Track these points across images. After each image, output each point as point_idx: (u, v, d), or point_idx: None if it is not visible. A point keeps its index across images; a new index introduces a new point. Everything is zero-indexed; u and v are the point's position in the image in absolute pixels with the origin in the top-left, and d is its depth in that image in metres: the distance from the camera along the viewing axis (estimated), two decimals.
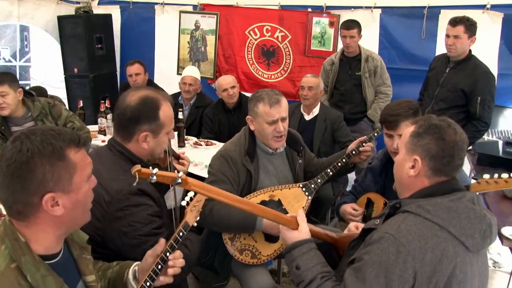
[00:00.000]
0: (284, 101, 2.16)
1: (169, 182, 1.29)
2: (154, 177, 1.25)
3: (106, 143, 1.77)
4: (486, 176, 1.57)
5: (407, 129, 1.45)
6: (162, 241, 1.37)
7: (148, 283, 1.32)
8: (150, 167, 1.26)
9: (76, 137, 1.12)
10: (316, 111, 3.61)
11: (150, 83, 4.42)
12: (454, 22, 3.11)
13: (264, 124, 2.12)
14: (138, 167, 1.24)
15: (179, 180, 1.30)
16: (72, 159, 1.10)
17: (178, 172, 1.32)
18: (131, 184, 1.55)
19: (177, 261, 1.38)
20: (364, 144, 2.28)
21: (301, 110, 3.64)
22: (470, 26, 3.09)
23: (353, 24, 3.76)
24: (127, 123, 1.65)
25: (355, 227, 1.76)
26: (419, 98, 3.57)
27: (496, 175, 1.52)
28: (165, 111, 1.68)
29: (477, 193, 1.68)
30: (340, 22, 4.20)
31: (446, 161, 1.33)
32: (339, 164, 2.27)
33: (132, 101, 1.65)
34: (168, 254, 1.37)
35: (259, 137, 2.21)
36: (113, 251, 1.59)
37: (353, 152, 2.29)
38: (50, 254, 1.13)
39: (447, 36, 3.16)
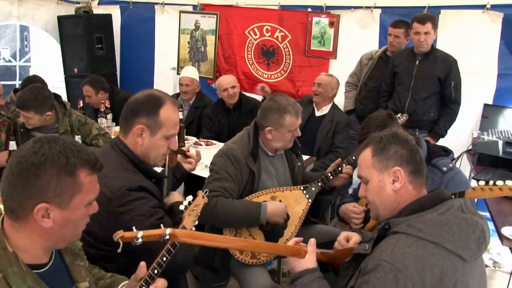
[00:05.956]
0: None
1: (157, 239, 1.25)
2: (140, 240, 1.20)
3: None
4: (482, 183, 1.60)
5: (362, 155, 1.44)
6: (142, 264, 1.29)
7: None
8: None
9: (94, 161, 1.12)
10: (325, 110, 3.62)
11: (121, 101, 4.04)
12: (422, 20, 3.25)
13: (287, 133, 2.15)
14: (121, 233, 1.18)
15: (167, 237, 1.26)
16: (81, 179, 1.09)
17: (166, 228, 1.26)
18: (132, 181, 1.59)
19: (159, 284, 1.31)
20: (343, 165, 2.23)
21: (314, 105, 3.66)
22: (434, 21, 3.30)
23: (400, 24, 3.69)
24: (129, 113, 1.69)
25: (344, 239, 1.68)
26: (383, 95, 3.60)
27: (491, 182, 1.55)
28: (167, 112, 1.67)
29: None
30: (340, 22, 4.20)
31: (419, 158, 1.37)
32: (323, 181, 2.23)
33: (140, 95, 1.71)
34: (164, 258, 1.31)
35: (273, 143, 2.20)
36: (116, 248, 1.59)
37: (331, 175, 2.23)
38: (39, 263, 1.12)
39: (418, 33, 3.27)
